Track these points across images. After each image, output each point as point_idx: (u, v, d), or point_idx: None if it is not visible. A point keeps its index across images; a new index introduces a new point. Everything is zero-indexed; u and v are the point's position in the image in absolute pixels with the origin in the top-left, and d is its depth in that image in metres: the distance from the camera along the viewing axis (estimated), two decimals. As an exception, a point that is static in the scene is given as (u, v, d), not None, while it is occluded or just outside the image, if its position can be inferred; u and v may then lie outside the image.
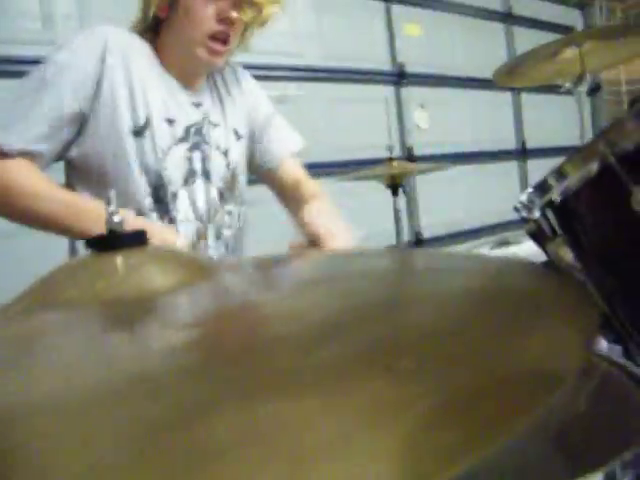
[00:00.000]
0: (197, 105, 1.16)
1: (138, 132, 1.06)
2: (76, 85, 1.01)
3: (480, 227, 3.73)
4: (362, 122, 3.20)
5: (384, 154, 1.95)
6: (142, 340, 0.30)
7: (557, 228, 0.73)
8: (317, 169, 3.00)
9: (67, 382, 0.24)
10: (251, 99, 1.28)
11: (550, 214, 0.72)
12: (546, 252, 0.78)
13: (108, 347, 0.29)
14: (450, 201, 3.53)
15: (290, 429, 0.17)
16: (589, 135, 1.57)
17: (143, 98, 1.06)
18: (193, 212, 1.13)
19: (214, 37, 1.08)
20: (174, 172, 1.10)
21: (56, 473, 0.17)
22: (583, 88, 1.49)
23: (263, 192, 1.33)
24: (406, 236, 2.94)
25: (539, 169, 4.05)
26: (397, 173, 1.66)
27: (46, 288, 0.35)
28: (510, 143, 4.07)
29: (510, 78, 1.56)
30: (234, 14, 1.07)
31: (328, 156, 3.09)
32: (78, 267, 0.39)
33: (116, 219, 0.40)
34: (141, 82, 1.07)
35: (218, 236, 1.17)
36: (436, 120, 3.57)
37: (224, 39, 1.09)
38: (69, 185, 1.10)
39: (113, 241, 0.39)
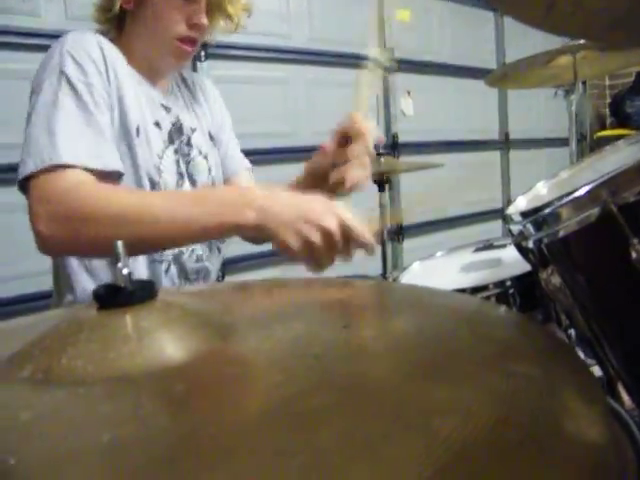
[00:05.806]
0: (167, 109, 1.13)
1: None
2: (103, 100, 0.97)
3: (461, 215, 3.76)
4: (348, 107, 3.18)
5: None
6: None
7: (550, 260, 0.74)
8: (298, 154, 3.00)
9: None
10: (217, 107, 1.27)
11: (544, 248, 0.73)
12: (530, 263, 0.79)
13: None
14: (431, 188, 3.54)
15: None
16: (574, 130, 1.58)
17: (128, 104, 1.02)
18: None
19: (182, 40, 1.07)
20: (168, 177, 1.08)
21: None
22: (575, 96, 1.50)
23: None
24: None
25: (521, 160, 4.09)
26: (385, 170, 1.66)
27: (51, 355, 0.34)
28: (494, 133, 4.08)
29: (503, 82, 1.56)
30: (204, 20, 1.07)
31: (311, 140, 3.07)
32: (86, 329, 0.38)
33: (125, 272, 0.39)
34: (128, 89, 1.03)
35: (208, 244, 1.16)
36: (421, 107, 3.56)
37: (192, 42, 1.09)
38: None
39: (121, 297, 0.39)
